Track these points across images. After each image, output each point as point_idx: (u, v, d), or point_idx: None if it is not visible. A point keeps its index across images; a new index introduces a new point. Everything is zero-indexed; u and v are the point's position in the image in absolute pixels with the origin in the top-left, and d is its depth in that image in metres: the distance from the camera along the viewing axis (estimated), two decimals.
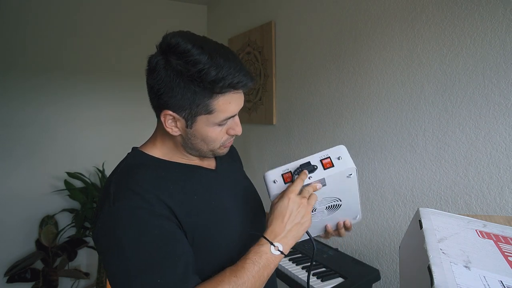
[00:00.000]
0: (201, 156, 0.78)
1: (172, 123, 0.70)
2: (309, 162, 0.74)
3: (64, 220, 2.44)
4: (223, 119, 0.70)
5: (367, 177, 1.54)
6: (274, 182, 0.74)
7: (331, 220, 0.85)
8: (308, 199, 0.71)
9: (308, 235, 0.75)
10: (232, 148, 0.99)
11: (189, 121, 0.69)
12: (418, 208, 0.62)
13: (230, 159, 0.94)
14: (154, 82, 0.67)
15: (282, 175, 0.74)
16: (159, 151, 0.76)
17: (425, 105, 1.28)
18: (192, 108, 0.67)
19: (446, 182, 1.23)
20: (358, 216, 0.89)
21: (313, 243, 0.75)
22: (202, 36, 0.69)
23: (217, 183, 0.80)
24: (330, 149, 0.75)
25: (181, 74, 0.64)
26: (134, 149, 0.78)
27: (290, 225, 0.69)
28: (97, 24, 2.52)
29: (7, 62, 2.25)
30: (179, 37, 0.65)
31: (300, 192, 0.71)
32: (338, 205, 0.82)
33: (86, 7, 2.48)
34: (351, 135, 1.60)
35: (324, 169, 0.73)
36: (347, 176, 0.74)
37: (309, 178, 0.72)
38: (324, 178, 0.73)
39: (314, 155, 0.75)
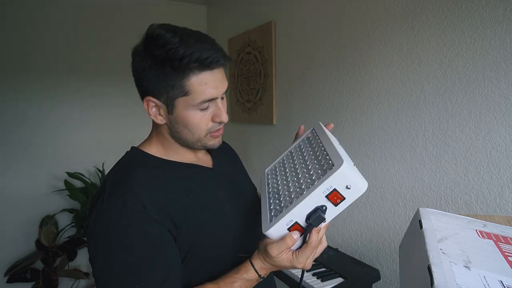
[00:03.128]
0: (190, 147, 0.77)
1: (156, 111, 0.71)
2: (316, 208, 0.58)
3: (64, 220, 2.44)
4: (200, 101, 0.68)
5: (367, 177, 1.53)
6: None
7: None
8: (313, 253, 0.65)
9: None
10: (229, 149, 0.98)
11: (169, 106, 0.69)
12: (418, 208, 0.62)
13: (228, 157, 0.93)
14: (134, 72, 0.70)
15: (288, 229, 0.61)
16: (155, 149, 0.77)
17: (425, 105, 1.28)
18: (168, 91, 0.67)
19: (446, 182, 1.23)
20: None
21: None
22: (182, 27, 0.70)
23: (214, 182, 0.79)
24: (332, 176, 0.56)
25: (152, 57, 0.66)
26: (133, 148, 0.78)
27: (277, 267, 0.67)
28: (97, 25, 2.52)
29: (7, 62, 2.25)
30: (156, 27, 0.67)
31: None
32: None
33: (86, 8, 2.48)
34: (351, 135, 1.60)
35: (335, 205, 0.58)
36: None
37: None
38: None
39: (315, 190, 0.57)
